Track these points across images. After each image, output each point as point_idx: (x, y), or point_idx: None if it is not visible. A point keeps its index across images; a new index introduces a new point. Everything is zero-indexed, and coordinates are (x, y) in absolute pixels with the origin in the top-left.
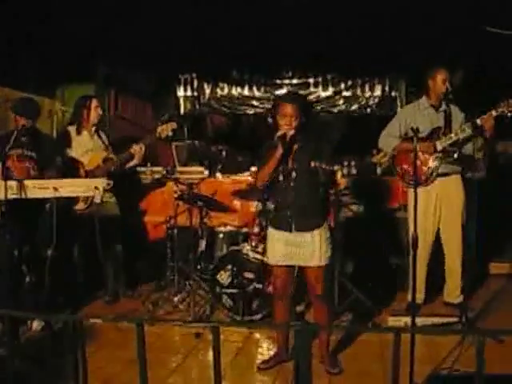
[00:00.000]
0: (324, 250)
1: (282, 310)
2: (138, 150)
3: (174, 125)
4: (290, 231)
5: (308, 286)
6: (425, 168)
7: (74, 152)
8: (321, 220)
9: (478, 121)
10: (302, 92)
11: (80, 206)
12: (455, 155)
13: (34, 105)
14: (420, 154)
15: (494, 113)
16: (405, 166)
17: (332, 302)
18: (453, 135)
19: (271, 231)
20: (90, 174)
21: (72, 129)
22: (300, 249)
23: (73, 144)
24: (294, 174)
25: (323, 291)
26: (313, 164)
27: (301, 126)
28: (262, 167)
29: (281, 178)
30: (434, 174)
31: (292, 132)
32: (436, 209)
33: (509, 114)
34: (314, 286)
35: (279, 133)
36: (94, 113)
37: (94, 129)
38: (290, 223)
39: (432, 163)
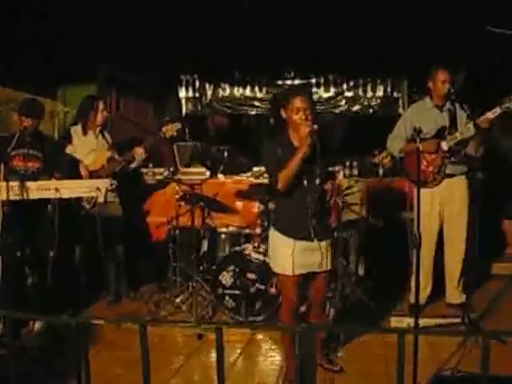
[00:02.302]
0: (332, 254)
1: (294, 319)
2: (139, 152)
3: (178, 125)
4: (310, 240)
5: (313, 291)
6: (431, 168)
7: (79, 152)
8: (331, 227)
9: (481, 119)
10: None
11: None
12: (461, 153)
13: (39, 105)
14: (427, 154)
15: (498, 109)
16: (412, 167)
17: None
18: (458, 134)
19: (283, 239)
20: (94, 175)
21: (76, 129)
22: (315, 255)
23: (77, 144)
24: (318, 179)
25: (325, 295)
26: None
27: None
28: (283, 168)
29: (305, 181)
30: (441, 174)
31: (316, 127)
32: (440, 209)
33: None
34: (320, 290)
35: (306, 129)
36: (101, 115)
37: (98, 129)
38: (311, 231)
39: (438, 164)
